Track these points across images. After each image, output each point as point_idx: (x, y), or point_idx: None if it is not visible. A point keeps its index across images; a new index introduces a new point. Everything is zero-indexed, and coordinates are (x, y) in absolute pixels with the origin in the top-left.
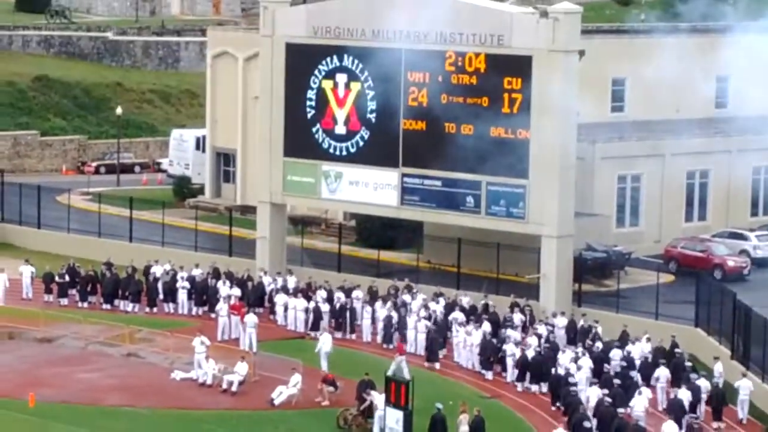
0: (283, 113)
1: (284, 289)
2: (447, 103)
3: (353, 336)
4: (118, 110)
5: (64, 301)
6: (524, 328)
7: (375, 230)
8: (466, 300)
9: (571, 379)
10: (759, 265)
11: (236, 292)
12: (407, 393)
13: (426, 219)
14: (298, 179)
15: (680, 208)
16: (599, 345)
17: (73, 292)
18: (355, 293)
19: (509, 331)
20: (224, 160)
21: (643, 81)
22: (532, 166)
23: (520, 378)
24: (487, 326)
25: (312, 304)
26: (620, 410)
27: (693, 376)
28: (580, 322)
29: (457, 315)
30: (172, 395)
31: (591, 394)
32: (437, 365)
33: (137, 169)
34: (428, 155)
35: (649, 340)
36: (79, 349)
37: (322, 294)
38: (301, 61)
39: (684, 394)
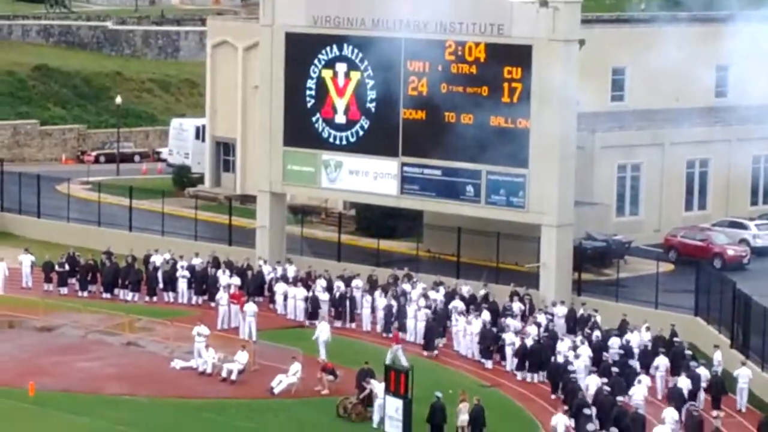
0: (283, 103)
1: (284, 278)
2: (447, 93)
3: (353, 325)
4: (118, 99)
5: (64, 290)
6: (524, 317)
7: (375, 219)
8: (466, 289)
9: (570, 368)
10: (759, 254)
11: (236, 281)
12: (407, 382)
13: (426, 208)
14: (297, 168)
15: (680, 197)
16: (598, 334)
17: (73, 281)
18: (355, 282)
19: (509, 320)
20: (224, 150)
21: (643, 70)
22: (532, 156)
23: (520, 367)
24: (486, 315)
25: (310, 293)
26: (619, 398)
27: (692, 364)
28: (580, 311)
29: (457, 304)
30: (171, 384)
31: (590, 383)
32: (435, 353)
33: (137, 158)
34: (428, 144)
35: (648, 329)
36: (79, 338)
37: (321, 283)
38: (301, 50)
39: (684, 383)
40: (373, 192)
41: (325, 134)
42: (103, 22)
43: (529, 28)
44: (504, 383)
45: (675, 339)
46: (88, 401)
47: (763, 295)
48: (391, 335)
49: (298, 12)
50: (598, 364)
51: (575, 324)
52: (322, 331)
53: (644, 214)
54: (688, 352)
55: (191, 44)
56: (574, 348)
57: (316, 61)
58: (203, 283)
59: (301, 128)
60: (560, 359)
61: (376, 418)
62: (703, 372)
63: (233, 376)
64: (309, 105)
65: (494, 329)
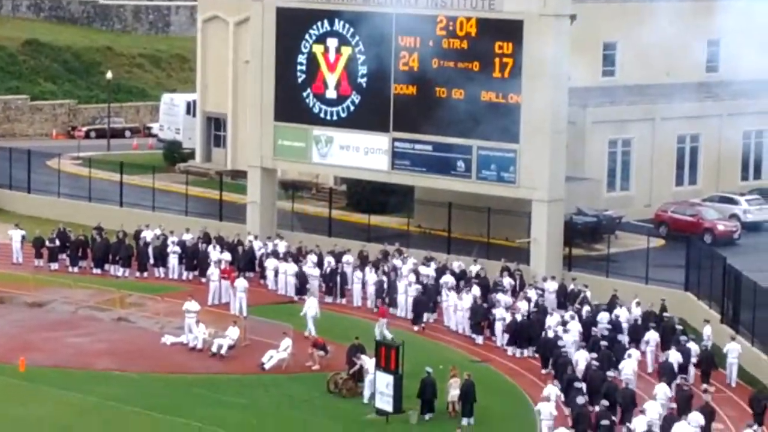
0: (274, 78)
1: (274, 254)
2: (438, 68)
3: (343, 300)
4: (109, 75)
5: (55, 266)
6: (514, 293)
7: (366, 195)
8: (456, 264)
9: (560, 343)
10: (749, 229)
11: (227, 256)
12: (398, 357)
13: (417, 183)
14: (288, 144)
15: (671, 172)
16: (588, 309)
17: (64, 256)
18: (346, 258)
19: (499, 296)
20: (215, 125)
21: (635, 45)
22: (523, 131)
23: (511, 342)
24: (476, 290)
25: (294, 269)
26: (609, 373)
27: (683, 338)
28: (570, 287)
29: (448, 279)
30: (162, 359)
31: (579, 358)
32: (421, 326)
33: (127, 133)
34: (419, 120)
35: (639, 304)
36: (70, 314)
37: (312, 258)
38: (292, 25)
39: (674, 357)
40: (364, 167)
41: (316, 109)
42: None
43: (520, 3)
44: (494, 359)
45: (665, 314)
46: (78, 377)
47: (753, 270)
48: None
49: None
50: (587, 340)
51: (566, 299)
52: (310, 306)
53: (635, 189)
54: (679, 327)
55: (182, 19)
56: (564, 323)
57: (307, 36)
58: (194, 259)
59: (292, 103)
60: (550, 334)
61: (366, 393)
62: (693, 347)
63: (223, 351)
64: (300, 80)
65: (485, 305)
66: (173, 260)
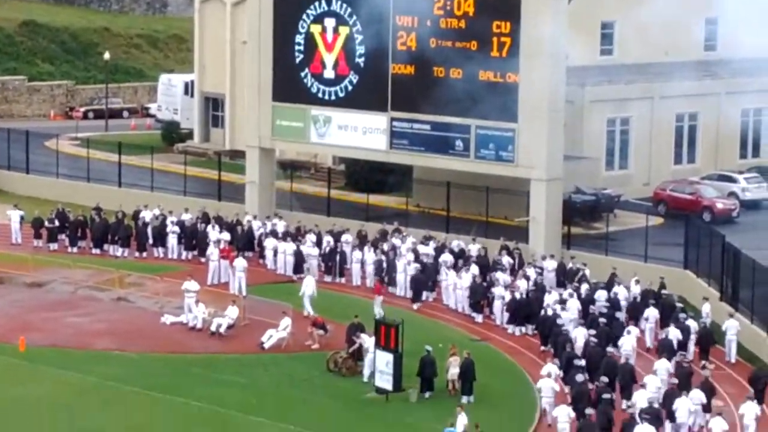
0: (272, 58)
1: (273, 234)
2: (436, 47)
3: (343, 280)
4: (106, 55)
5: (54, 246)
6: (513, 271)
7: (364, 174)
8: (455, 243)
9: (558, 321)
10: (748, 207)
11: (225, 236)
12: (397, 336)
13: (415, 163)
14: (286, 124)
15: (669, 150)
16: (586, 287)
17: (63, 236)
18: (345, 237)
19: (498, 274)
20: (213, 105)
21: (633, 24)
22: (521, 110)
23: (512, 321)
24: (475, 269)
25: (293, 248)
26: (609, 349)
27: (682, 316)
28: (569, 265)
29: (447, 258)
30: (161, 339)
31: (577, 335)
32: (419, 305)
33: (125, 114)
34: (417, 99)
35: (638, 282)
36: (69, 294)
37: (311, 238)
38: (289, 5)
39: (673, 334)
40: (363, 147)
41: (314, 89)
42: None
43: None
44: (494, 337)
45: (663, 291)
46: (78, 357)
47: (752, 248)
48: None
49: None
50: (586, 318)
51: (565, 277)
52: (308, 285)
53: (633, 167)
54: (679, 305)
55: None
56: (562, 301)
57: (304, 16)
58: (193, 239)
59: (289, 83)
60: (549, 312)
61: (366, 372)
62: (692, 324)
63: (222, 330)
64: (298, 60)
65: (484, 284)
66: (172, 240)
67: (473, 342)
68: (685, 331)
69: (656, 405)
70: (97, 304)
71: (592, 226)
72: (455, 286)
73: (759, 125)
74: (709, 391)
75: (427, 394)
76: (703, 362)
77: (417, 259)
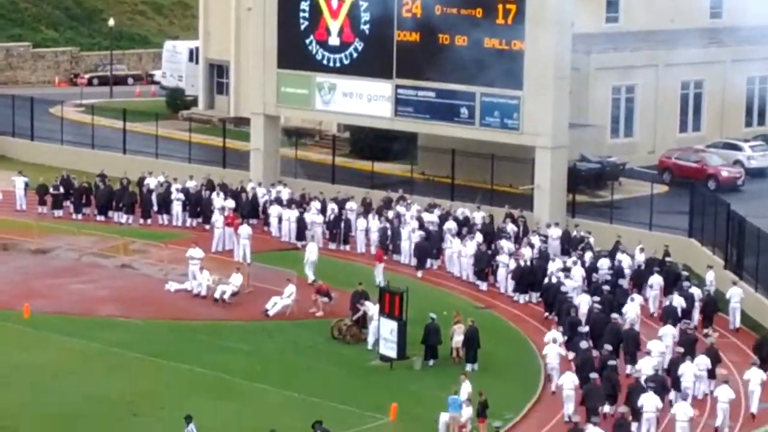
0: (277, 25)
1: (278, 201)
2: (441, 14)
3: (347, 247)
4: (111, 22)
5: (58, 213)
6: (517, 239)
7: (369, 142)
8: (460, 211)
9: (562, 288)
10: (753, 175)
11: (230, 203)
12: (401, 304)
13: (420, 130)
14: (291, 91)
15: (675, 118)
16: (590, 255)
17: (67, 203)
18: (349, 205)
19: (502, 242)
20: (217, 72)
21: None
22: (527, 77)
23: (518, 289)
24: (480, 237)
25: (296, 215)
26: (613, 316)
27: (685, 284)
28: (573, 233)
29: (451, 225)
30: (166, 306)
31: (581, 302)
32: (422, 273)
33: (130, 80)
34: (422, 66)
35: (642, 250)
36: (73, 261)
37: (316, 205)
38: None
39: (677, 301)
40: (368, 114)
41: (318, 56)
42: None
43: None
44: (498, 305)
45: (667, 258)
46: (82, 323)
47: (757, 216)
48: (385, 257)
49: None
50: (590, 285)
51: (569, 245)
52: (311, 251)
53: (639, 135)
54: (685, 273)
55: None
56: (566, 269)
57: None
58: (198, 206)
59: (294, 50)
60: (553, 280)
61: (370, 339)
62: (696, 291)
63: (226, 296)
64: (303, 27)
65: (489, 251)
66: (177, 207)
67: (477, 310)
68: (689, 298)
69: (661, 372)
70: (101, 271)
71: (597, 194)
72: (460, 254)
73: (765, 93)
74: (714, 357)
75: (431, 362)
76: (706, 331)
77: (421, 226)
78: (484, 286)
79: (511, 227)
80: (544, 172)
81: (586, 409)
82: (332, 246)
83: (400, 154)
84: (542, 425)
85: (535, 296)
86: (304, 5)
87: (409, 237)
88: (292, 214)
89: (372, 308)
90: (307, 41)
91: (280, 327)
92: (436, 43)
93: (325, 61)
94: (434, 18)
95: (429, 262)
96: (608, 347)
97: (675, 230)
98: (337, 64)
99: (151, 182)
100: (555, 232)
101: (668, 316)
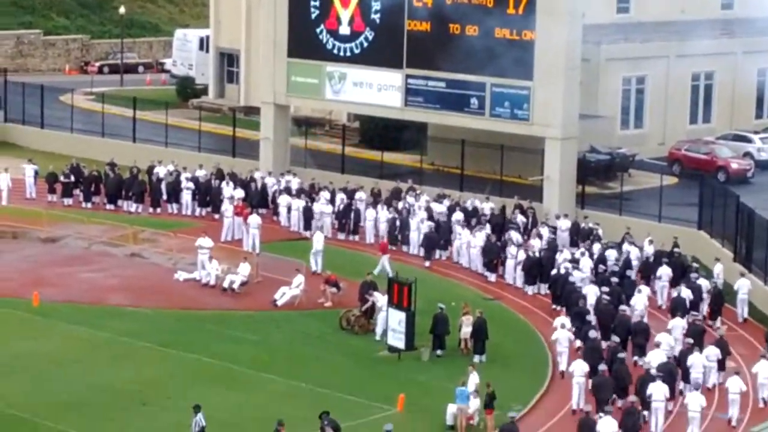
0: (287, 13)
1: (287, 191)
2: (452, 4)
3: (356, 237)
4: (122, 10)
5: (68, 201)
6: (526, 230)
7: (379, 131)
8: (469, 202)
9: (570, 279)
10: (763, 167)
11: (240, 193)
12: (410, 294)
13: (430, 120)
14: (302, 80)
15: (685, 110)
16: (599, 246)
17: (77, 192)
18: (359, 195)
19: (511, 233)
20: (228, 61)
21: None
22: (537, 68)
23: (527, 280)
24: (489, 228)
25: (301, 204)
26: (622, 307)
27: (693, 275)
28: (582, 224)
29: (458, 216)
30: (175, 295)
31: (588, 292)
32: (429, 263)
33: (141, 69)
34: (433, 56)
35: (651, 242)
36: (83, 249)
37: (325, 195)
38: None
39: (685, 293)
40: (378, 104)
41: (329, 45)
42: None
43: None
44: (506, 296)
45: (676, 250)
46: (91, 312)
47: (766, 209)
48: (394, 248)
49: None
50: (597, 276)
51: (578, 237)
52: (317, 241)
53: (649, 127)
54: (695, 265)
55: None
56: (574, 261)
57: None
58: (207, 195)
59: (305, 39)
60: (561, 271)
61: (378, 330)
62: (704, 283)
63: (235, 286)
64: (313, 16)
65: (498, 243)
66: (186, 196)
67: (486, 301)
68: (697, 290)
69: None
70: (110, 260)
71: (607, 186)
72: (469, 245)
73: None
74: (724, 348)
75: (439, 352)
76: (713, 323)
77: (431, 217)
78: (492, 277)
79: (520, 218)
80: (554, 163)
81: (595, 401)
82: (341, 236)
83: (410, 144)
84: (550, 416)
85: (543, 288)
86: None
87: (418, 227)
88: (300, 203)
89: (381, 299)
90: (318, 30)
91: (288, 317)
92: (446, 33)
93: (335, 51)
94: (445, 7)
95: (438, 252)
96: (615, 339)
97: (684, 222)
98: (348, 54)
99: (161, 171)
100: (564, 224)
101: (677, 307)
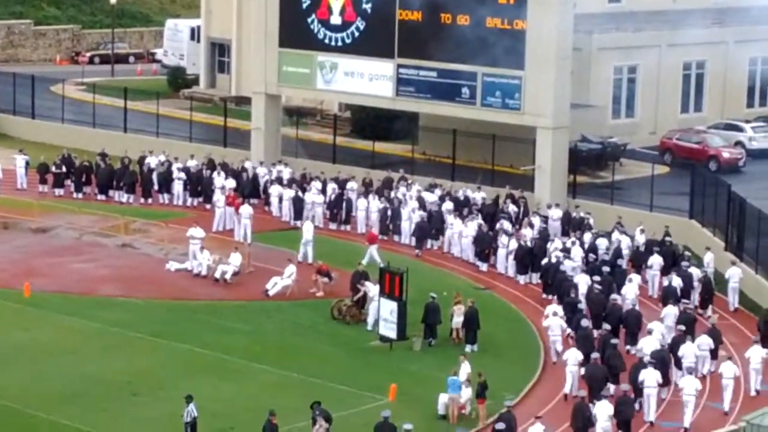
0: (278, 3)
1: (279, 180)
2: None
3: (348, 227)
4: (113, 0)
5: (59, 192)
6: (517, 220)
7: (370, 121)
8: (461, 191)
9: (561, 267)
10: (754, 156)
11: (231, 183)
12: (401, 284)
13: (421, 110)
14: (293, 70)
15: (676, 99)
16: (589, 235)
17: (68, 182)
18: (350, 184)
19: (503, 222)
20: (219, 51)
21: None
22: (529, 57)
23: (519, 270)
24: (480, 217)
25: (292, 194)
26: (614, 296)
27: (684, 264)
28: (574, 214)
29: (448, 205)
30: (166, 286)
31: (579, 282)
32: (419, 252)
33: (132, 59)
34: (424, 46)
35: (643, 231)
36: (74, 240)
37: (316, 185)
38: None
39: (676, 282)
40: (369, 93)
41: (320, 35)
42: None
43: None
44: (498, 285)
45: (667, 239)
46: (82, 302)
47: (758, 198)
48: (385, 237)
49: None
50: (588, 265)
51: (569, 226)
52: (307, 230)
53: (640, 116)
54: (687, 254)
55: None
56: (565, 250)
57: None
58: (198, 185)
59: (296, 29)
60: (552, 260)
61: (370, 320)
62: (695, 271)
63: (227, 277)
64: (304, 6)
65: (490, 232)
66: (177, 186)
67: (477, 290)
68: (688, 278)
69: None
70: (102, 250)
71: (598, 175)
72: (461, 235)
73: (767, 74)
74: (717, 337)
75: (431, 341)
76: (702, 311)
77: (422, 207)
78: (484, 267)
79: (511, 208)
80: (545, 152)
81: (588, 388)
82: (333, 226)
83: (401, 134)
84: (542, 405)
85: (535, 277)
86: None
87: (410, 217)
88: (291, 193)
89: (372, 289)
90: (309, 20)
91: (280, 307)
92: (438, 23)
93: (326, 41)
94: None
95: (429, 242)
96: (606, 326)
97: (676, 211)
98: (339, 44)
99: (152, 161)
100: (556, 213)
101: (668, 296)
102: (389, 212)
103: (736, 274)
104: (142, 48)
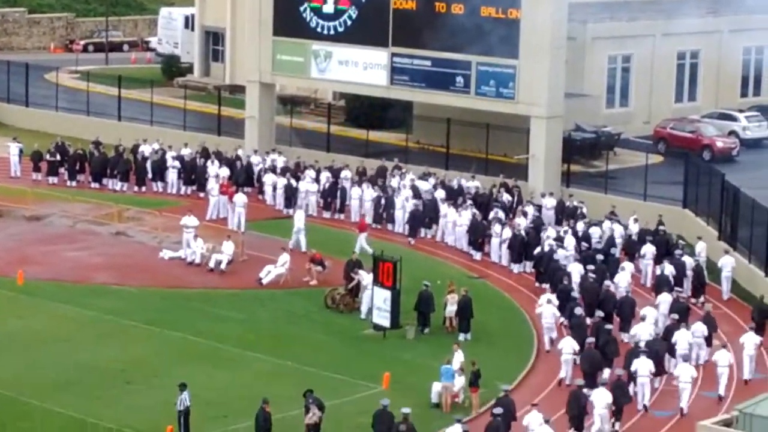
0: None
1: (272, 169)
2: None
3: (342, 216)
4: None
5: (53, 180)
6: (510, 209)
7: (364, 110)
8: (455, 180)
9: (555, 256)
10: (748, 146)
11: (225, 171)
12: (395, 273)
13: (415, 99)
14: (287, 58)
15: (670, 88)
16: (582, 224)
17: (62, 170)
18: (344, 173)
19: (497, 211)
20: (213, 39)
21: None
22: (523, 46)
23: (513, 259)
24: (474, 206)
25: (284, 182)
26: (607, 283)
27: (677, 252)
28: (567, 203)
29: (440, 193)
30: (160, 274)
31: (573, 270)
32: (412, 241)
33: (126, 47)
34: (418, 35)
35: (636, 220)
36: (68, 228)
37: (310, 174)
38: None
39: (668, 270)
40: (363, 82)
41: (313, 24)
42: None
43: None
44: (491, 274)
45: (661, 228)
46: (76, 290)
47: (751, 187)
48: (379, 226)
49: None
50: (581, 254)
51: (563, 215)
52: (299, 218)
53: (634, 105)
54: (681, 242)
55: None
56: (559, 239)
57: None
58: (192, 174)
59: (290, 18)
60: (545, 248)
61: (364, 308)
62: (688, 260)
63: (222, 266)
64: None
65: (484, 222)
66: (172, 175)
67: (471, 279)
68: (681, 267)
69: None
70: (95, 238)
71: (592, 164)
72: (455, 224)
73: (761, 64)
74: (711, 324)
75: (425, 329)
76: (694, 299)
77: (416, 195)
78: (478, 255)
79: (505, 197)
80: (539, 141)
81: (583, 374)
82: (327, 215)
83: (396, 122)
84: (536, 394)
85: (528, 266)
86: None
87: (403, 206)
88: (284, 182)
89: (366, 277)
90: (302, 8)
91: (273, 296)
92: (432, 11)
93: (319, 29)
94: None
95: (422, 231)
96: (600, 313)
97: (669, 201)
98: (332, 32)
99: (146, 149)
100: (549, 202)
101: (661, 284)
102: (383, 201)
103: (729, 263)
104: (137, 36)
